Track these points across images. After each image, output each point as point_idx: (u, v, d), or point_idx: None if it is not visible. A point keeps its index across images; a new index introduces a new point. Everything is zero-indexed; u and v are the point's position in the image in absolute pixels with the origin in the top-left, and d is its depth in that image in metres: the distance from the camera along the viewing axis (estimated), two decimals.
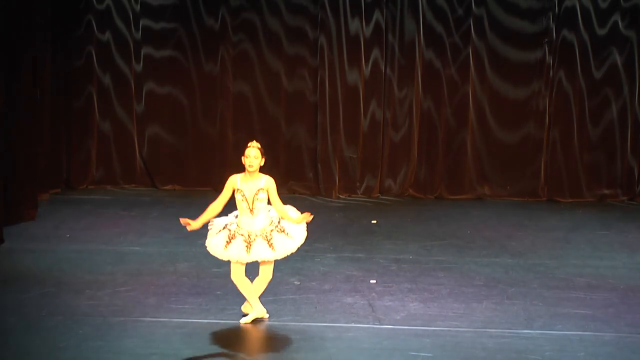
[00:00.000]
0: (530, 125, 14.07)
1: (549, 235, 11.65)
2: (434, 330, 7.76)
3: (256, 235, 7.62)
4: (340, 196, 13.95)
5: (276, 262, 7.74)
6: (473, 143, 14.09)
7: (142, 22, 13.96)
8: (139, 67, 14.06)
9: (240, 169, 7.71)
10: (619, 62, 13.91)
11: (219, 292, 8.47)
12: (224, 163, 13.84)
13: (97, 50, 13.95)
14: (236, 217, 7.75)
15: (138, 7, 13.94)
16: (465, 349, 7.35)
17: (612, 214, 13.15)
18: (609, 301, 8.73)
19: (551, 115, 14.08)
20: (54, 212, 12.12)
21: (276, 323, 7.82)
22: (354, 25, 13.84)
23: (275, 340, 7.53)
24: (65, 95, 13.64)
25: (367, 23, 13.86)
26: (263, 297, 7.88)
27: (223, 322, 7.81)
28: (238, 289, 7.78)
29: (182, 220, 7.76)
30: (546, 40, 13.90)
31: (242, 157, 7.65)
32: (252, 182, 7.64)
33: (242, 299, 7.86)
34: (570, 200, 14.02)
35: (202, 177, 14.07)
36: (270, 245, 7.60)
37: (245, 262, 7.66)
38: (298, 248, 7.74)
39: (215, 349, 7.30)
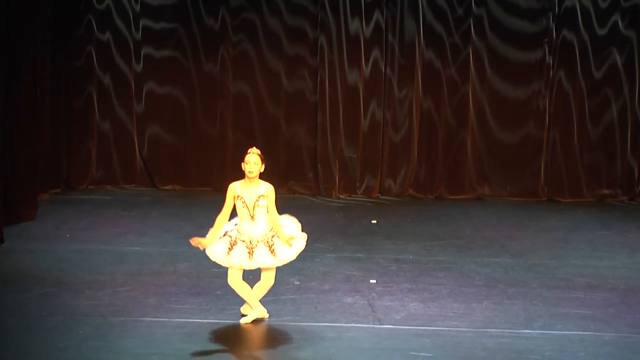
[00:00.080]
0: (530, 125, 14.08)
1: (549, 235, 11.65)
2: (434, 330, 7.76)
3: (258, 241, 7.61)
4: (340, 196, 13.95)
5: None
6: (473, 143, 14.10)
7: (142, 22, 13.96)
8: (139, 67, 14.06)
9: (240, 173, 7.70)
10: (619, 62, 13.91)
11: (219, 292, 8.47)
12: (224, 163, 13.86)
13: (97, 50, 13.95)
14: (236, 224, 7.74)
15: (138, 7, 13.94)
16: (465, 349, 7.35)
17: (612, 214, 13.15)
18: (609, 301, 8.73)
19: (551, 115, 14.08)
20: (54, 212, 12.12)
21: (276, 323, 7.82)
22: (354, 25, 13.84)
23: (275, 340, 7.53)
24: (65, 95, 13.64)
25: (367, 23, 13.86)
26: (263, 298, 7.87)
27: (223, 322, 7.81)
28: (237, 293, 7.79)
29: (193, 242, 7.71)
30: (546, 40, 13.90)
31: (242, 164, 7.63)
32: (252, 189, 7.63)
33: (242, 300, 7.85)
34: (570, 200, 14.02)
35: (202, 177, 14.08)
36: (272, 252, 7.61)
37: (248, 268, 7.66)
38: (298, 254, 7.76)
39: (215, 349, 7.31)
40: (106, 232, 11.14)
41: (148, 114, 14.13)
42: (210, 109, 14.06)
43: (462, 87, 14.00)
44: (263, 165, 7.65)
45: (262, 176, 7.70)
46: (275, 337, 7.58)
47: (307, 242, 7.78)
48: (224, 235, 7.69)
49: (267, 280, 7.76)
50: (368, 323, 7.92)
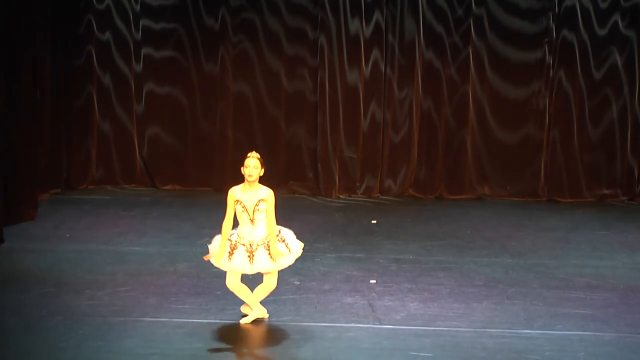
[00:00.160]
0: (530, 125, 14.07)
1: (549, 235, 11.65)
2: (434, 330, 7.76)
3: (258, 245, 7.61)
4: (340, 196, 13.95)
5: None
6: (473, 143, 14.09)
7: (142, 22, 13.96)
8: (139, 67, 14.06)
9: (240, 174, 7.69)
10: (619, 62, 13.91)
11: (219, 292, 8.46)
12: (224, 163, 13.86)
13: (97, 50, 13.95)
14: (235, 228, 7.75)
15: (138, 7, 13.93)
16: (465, 349, 7.35)
17: (612, 214, 13.15)
18: (609, 301, 8.73)
19: (551, 115, 14.07)
20: (54, 212, 12.12)
21: (276, 323, 7.82)
22: (354, 25, 13.83)
23: (275, 340, 7.53)
24: (65, 95, 13.64)
25: (367, 23, 13.86)
26: (263, 299, 7.88)
27: (223, 322, 7.81)
28: (236, 295, 7.79)
29: (206, 258, 7.72)
30: (546, 40, 13.89)
31: (242, 168, 7.62)
32: (252, 193, 7.62)
33: (242, 300, 7.86)
34: (570, 200, 14.02)
35: (202, 177, 14.09)
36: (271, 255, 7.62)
37: (249, 273, 7.65)
38: (295, 259, 7.77)
39: (216, 349, 7.31)
40: (106, 232, 11.14)
41: (148, 114, 14.12)
42: (210, 109, 14.05)
43: (462, 87, 14.00)
44: (263, 169, 7.64)
45: (262, 178, 7.69)
46: (275, 337, 7.58)
47: (306, 242, 7.77)
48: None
49: (269, 284, 7.77)
50: (368, 323, 7.92)
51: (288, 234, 7.77)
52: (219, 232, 7.70)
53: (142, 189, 14.08)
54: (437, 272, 9.64)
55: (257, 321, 7.79)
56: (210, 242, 7.79)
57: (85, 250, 10.16)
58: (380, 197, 14.06)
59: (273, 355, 7.27)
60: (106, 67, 14.02)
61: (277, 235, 7.67)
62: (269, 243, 7.61)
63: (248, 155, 7.65)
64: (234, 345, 7.42)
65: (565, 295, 8.89)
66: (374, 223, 12.11)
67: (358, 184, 14.10)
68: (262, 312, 7.83)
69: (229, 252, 7.61)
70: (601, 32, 13.85)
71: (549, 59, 13.92)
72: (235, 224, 7.70)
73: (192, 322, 7.77)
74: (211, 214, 11.72)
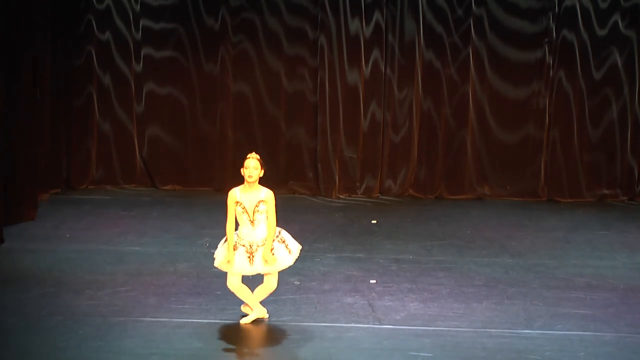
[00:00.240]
0: (530, 125, 14.07)
1: (549, 235, 11.65)
2: (434, 330, 7.76)
3: (258, 246, 7.61)
4: (340, 196, 13.95)
5: None
6: (473, 143, 14.09)
7: (142, 22, 13.96)
8: (139, 67, 14.06)
9: (240, 178, 7.69)
10: (619, 62, 13.91)
11: (219, 292, 8.46)
12: (224, 163, 13.86)
13: (97, 50, 13.95)
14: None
15: (138, 7, 13.93)
16: (465, 349, 7.35)
17: (612, 214, 13.15)
18: (609, 301, 8.73)
19: (551, 115, 14.07)
20: (54, 212, 12.12)
21: (276, 323, 7.82)
22: (354, 25, 13.83)
23: (275, 340, 7.53)
24: (65, 95, 13.63)
25: (367, 23, 13.85)
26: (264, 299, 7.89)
27: (223, 322, 7.81)
28: (236, 296, 7.79)
29: (221, 268, 7.75)
30: (546, 40, 13.89)
31: (241, 169, 7.62)
32: (251, 194, 7.62)
33: (243, 300, 7.86)
34: (570, 200, 14.02)
35: (202, 177, 14.08)
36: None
37: (249, 274, 7.65)
38: (295, 260, 7.77)
39: (215, 348, 7.30)
40: (106, 232, 11.14)
41: (148, 114, 14.12)
42: (210, 109, 14.05)
43: (462, 87, 13.99)
44: (262, 170, 7.63)
45: (262, 178, 7.69)
46: (275, 337, 7.58)
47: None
48: (225, 241, 7.70)
49: (269, 284, 7.76)
50: (368, 323, 7.92)
51: (287, 235, 7.78)
52: (220, 233, 7.70)
53: (142, 189, 14.08)
54: (437, 272, 9.64)
55: (257, 321, 7.79)
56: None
57: (85, 250, 10.16)
58: (380, 197, 14.06)
59: (273, 355, 7.27)
60: (106, 67, 14.01)
61: (277, 236, 7.67)
62: (274, 240, 7.61)
63: (248, 156, 7.65)
64: (234, 345, 7.42)
65: (565, 295, 8.89)
66: (374, 223, 12.11)
67: (358, 184, 14.10)
68: (262, 312, 7.83)
69: None
70: (601, 32, 13.85)
71: (549, 59, 13.92)
72: (236, 224, 7.70)
73: (192, 322, 7.77)
74: (211, 214, 11.74)
